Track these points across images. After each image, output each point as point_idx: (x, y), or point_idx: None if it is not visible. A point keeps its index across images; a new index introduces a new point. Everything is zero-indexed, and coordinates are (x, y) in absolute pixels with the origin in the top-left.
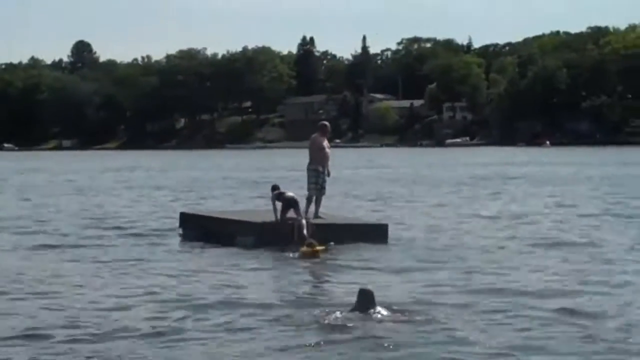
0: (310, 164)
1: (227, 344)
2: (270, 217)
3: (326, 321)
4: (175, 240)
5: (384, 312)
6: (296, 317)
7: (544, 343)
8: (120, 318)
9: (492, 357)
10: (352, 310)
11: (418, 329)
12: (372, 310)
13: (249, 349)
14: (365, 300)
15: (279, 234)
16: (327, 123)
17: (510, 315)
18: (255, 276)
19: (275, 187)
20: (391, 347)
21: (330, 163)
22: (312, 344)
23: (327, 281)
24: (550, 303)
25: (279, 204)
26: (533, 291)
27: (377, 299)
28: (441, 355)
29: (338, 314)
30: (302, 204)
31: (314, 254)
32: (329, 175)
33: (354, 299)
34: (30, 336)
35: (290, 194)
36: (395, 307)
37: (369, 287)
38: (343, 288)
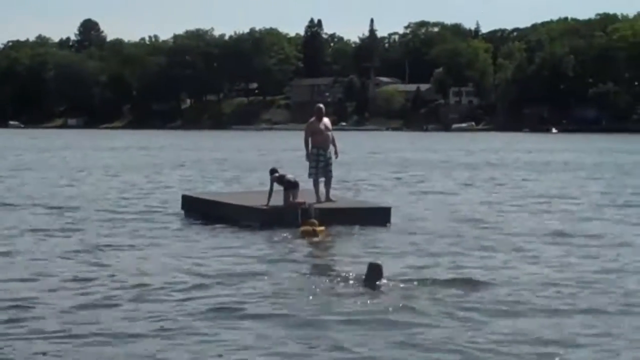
0: (311, 148)
1: (234, 319)
2: (274, 201)
3: (337, 293)
4: (177, 223)
5: (392, 285)
6: (306, 290)
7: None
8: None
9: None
10: (362, 283)
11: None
12: (381, 283)
13: (259, 323)
14: (375, 274)
15: (284, 217)
16: (321, 105)
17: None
18: (258, 253)
19: (273, 170)
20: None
21: (338, 145)
22: (325, 319)
23: (331, 257)
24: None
25: (279, 188)
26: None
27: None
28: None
29: (349, 286)
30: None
31: (313, 233)
32: (336, 156)
33: (356, 272)
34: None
35: (290, 176)
36: (402, 283)
37: (378, 261)
38: (348, 264)
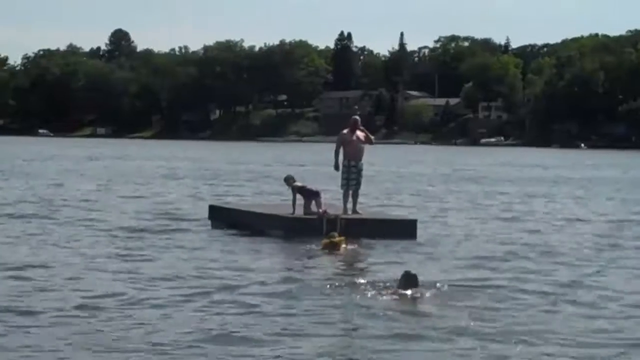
0: (343, 159)
1: (270, 322)
2: (298, 211)
3: (373, 304)
4: (204, 232)
5: (428, 294)
6: (339, 299)
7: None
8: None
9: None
10: (396, 292)
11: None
12: (415, 292)
13: (296, 326)
14: (410, 283)
15: (308, 227)
16: (356, 117)
17: None
18: (285, 263)
19: (289, 178)
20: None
21: (370, 159)
22: (359, 325)
23: (358, 268)
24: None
25: (299, 197)
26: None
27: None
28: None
29: (385, 296)
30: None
31: (334, 246)
32: (371, 142)
33: (388, 282)
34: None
35: (310, 186)
36: (436, 291)
37: (413, 271)
38: (378, 274)
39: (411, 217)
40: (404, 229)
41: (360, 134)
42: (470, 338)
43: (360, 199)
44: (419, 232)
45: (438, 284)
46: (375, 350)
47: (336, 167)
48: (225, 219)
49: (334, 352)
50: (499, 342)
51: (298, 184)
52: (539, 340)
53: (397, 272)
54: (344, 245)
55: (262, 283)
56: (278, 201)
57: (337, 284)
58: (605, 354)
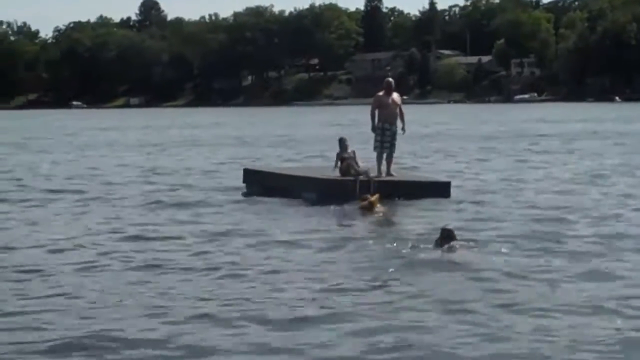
0: (377, 121)
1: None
2: (330, 174)
3: (412, 256)
4: (238, 196)
5: (465, 247)
6: (380, 252)
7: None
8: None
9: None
10: (435, 247)
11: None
12: (455, 245)
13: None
14: (448, 238)
15: (341, 189)
16: (390, 79)
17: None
18: (321, 223)
19: (342, 140)
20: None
21: (405, 119)
22: (400, 279)
23: (395, 225)
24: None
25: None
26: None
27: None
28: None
29: (426, 251)
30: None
31: (370, 206)
32: (403, 131)
33: (426, 238)
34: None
35: (347, 153)
36: (472, 244)
37: (450, 226)
38: (415, 231)
39: (445, 179)
40: (438, 191)
41: (395, 96)
42: (504, 288)
43: (395, 159)
44: (453, 192)
45: (474, 239)
46: (411, 306)
47: (373, 129)
48: (259, 182)
49: (373, 306)
50: (526, 298)
51: (347, 153)
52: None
53: (433, 229)
54: (378, 205)
55: (297, 243)
56: (315, 164)
57: (373, 241)
58: None
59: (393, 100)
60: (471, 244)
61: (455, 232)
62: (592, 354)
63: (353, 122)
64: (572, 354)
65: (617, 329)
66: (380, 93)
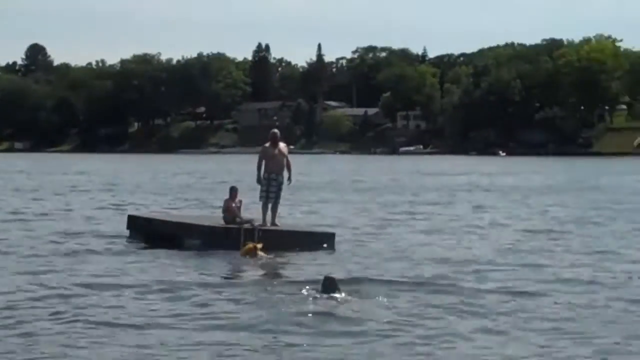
0: (264, 172)
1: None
2: (217, 222)
3: (298, 307)
4: (121, 243)
5: (348, 297)
6: (259, 299)
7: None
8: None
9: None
10: (318, 294)
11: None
12: (337, 295)
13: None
14: (330, 286)
15: (226, 237)
16: (276, 131)
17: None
18: (205, 271)
19: (232, 188)
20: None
21: (292, 170)
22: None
23: (277, 274)
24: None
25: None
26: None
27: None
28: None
29: (309, 300)
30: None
31: (253, 251)
32: (289, 181)
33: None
34: None
35: (235, 202)
36: (355, 293)
37: (333, 275)
38: (298, 280)
39: (329, 230)
40: (323, 241)
41: (282, 146)
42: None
43: (281, 209)
44: (337, 242)
45: (356, 289)
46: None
47: (258, 181)
48: (143, 228)
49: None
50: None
51: (234, 203)
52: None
53: (315, 277)
54: (261, 253)
55: (181, 294)
56: (202, 212)
57: (258, 290)
58: None
59: (280, 151)
60: (352, 293)
61: (337, 282)
62: None
63: (239, 171)
64: None
65: None
66: (267, 144)
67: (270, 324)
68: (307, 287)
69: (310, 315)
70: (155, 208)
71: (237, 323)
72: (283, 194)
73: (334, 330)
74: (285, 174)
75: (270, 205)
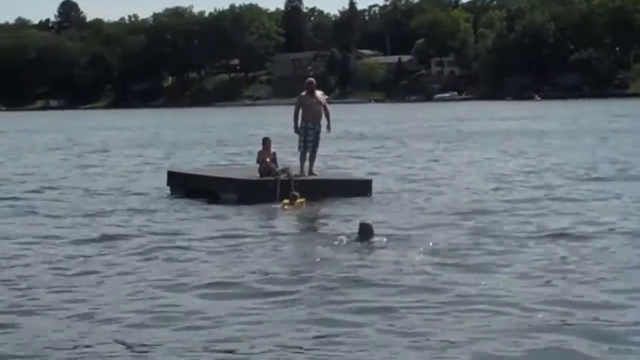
0: (300, 121)
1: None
2: (252, 174)
3: (332, 250)
4: (163, 198)
5: (384, 240)
6: (302, 250)
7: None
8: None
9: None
10: (355, 240)
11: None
12: (373, 240)
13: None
14: (366, 232)
15: (262, 190)
16: (311, 79)
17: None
18: (244, 224)
19: (265, 139)
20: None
21: (331, 117)
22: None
23: (319, 222)
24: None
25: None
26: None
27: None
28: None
29: (343, 243)
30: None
31: (295, 206)
32: (329, 130)
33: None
34: None
35: (269, 153)
36: (390, 239)
37: (368, 221)
38: (336, 227)
39: (366, 176)
40: (360, 189)
41: (319, 94)
42: (418, 281)
43: (319, 158)
44: (375, 189)
45: (391, 234)
46: (330, 300)
47: (296, 130)
48: (182, 184)
49: (293, 305)
50: (442, 289)
51: (268, 154)
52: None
53: (353, 225)
54: (300, 205)
55: (217, 244)
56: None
57: (295, 239)
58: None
59: (316, 100)
60: (388, 239)
61: (374, 227)
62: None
63: (275, 123)
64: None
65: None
66: (303, 93)
67: (306, 274)
68: (344, 234)
69: (345, 263)
70: (194, 164)
71: (272, 277)
72: (321, 142)
73: (369, 279)
74: (323, 122)
75: (308, 155)
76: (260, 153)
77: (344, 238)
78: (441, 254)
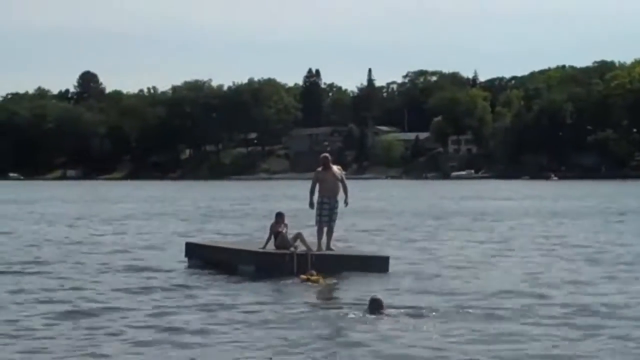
0: (317, 196)
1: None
2: (269, 247)
3: (342, 322)
4: (181, 270)
5: (395, 317)
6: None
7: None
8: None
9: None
10: (364, 314)
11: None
12: (382, 315)
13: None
14: (376, 306)
15: (278, 262)
16: (326, 155)
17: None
18: (260, 297)
19: (278, 214)
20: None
21: (349, 193)
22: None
23: (333, 298)
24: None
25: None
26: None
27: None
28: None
29: (352, 316)
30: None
31: (312, 282)
32: (346, 204)
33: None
34: None
35: (281, 226)
36: (402, 312)
37: (379, 295)
38: (349, 303)
39: (384, 253)
40: (377, 265)
41: (336, 170)
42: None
43: (336, 234)
44: (392, 267)
45: (402, 309)
46: None
47: (311, 205)
48: (200, 256)
49: None
50: None
51: (281, 228)
52: None
53: (365, 300)
54: (318, 281)
55: (239, 317)
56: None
57: (306, 311)
58: None
59: (332, 174)
60: (400, 315)
61: (387, 303)
62: None
63: (292, 196)
64: None
65: None
66: (319, 169)
67: (314, 344)
68: (354, 308)
69: (352, 335)
70: (212, 235)
71: (282, 344)
72: (338, 218)
73: (376, 350)
74: (341, 197)
75: (325, 229)
76: (272, 226)
77: (354, 312)
78: (454, 332)
